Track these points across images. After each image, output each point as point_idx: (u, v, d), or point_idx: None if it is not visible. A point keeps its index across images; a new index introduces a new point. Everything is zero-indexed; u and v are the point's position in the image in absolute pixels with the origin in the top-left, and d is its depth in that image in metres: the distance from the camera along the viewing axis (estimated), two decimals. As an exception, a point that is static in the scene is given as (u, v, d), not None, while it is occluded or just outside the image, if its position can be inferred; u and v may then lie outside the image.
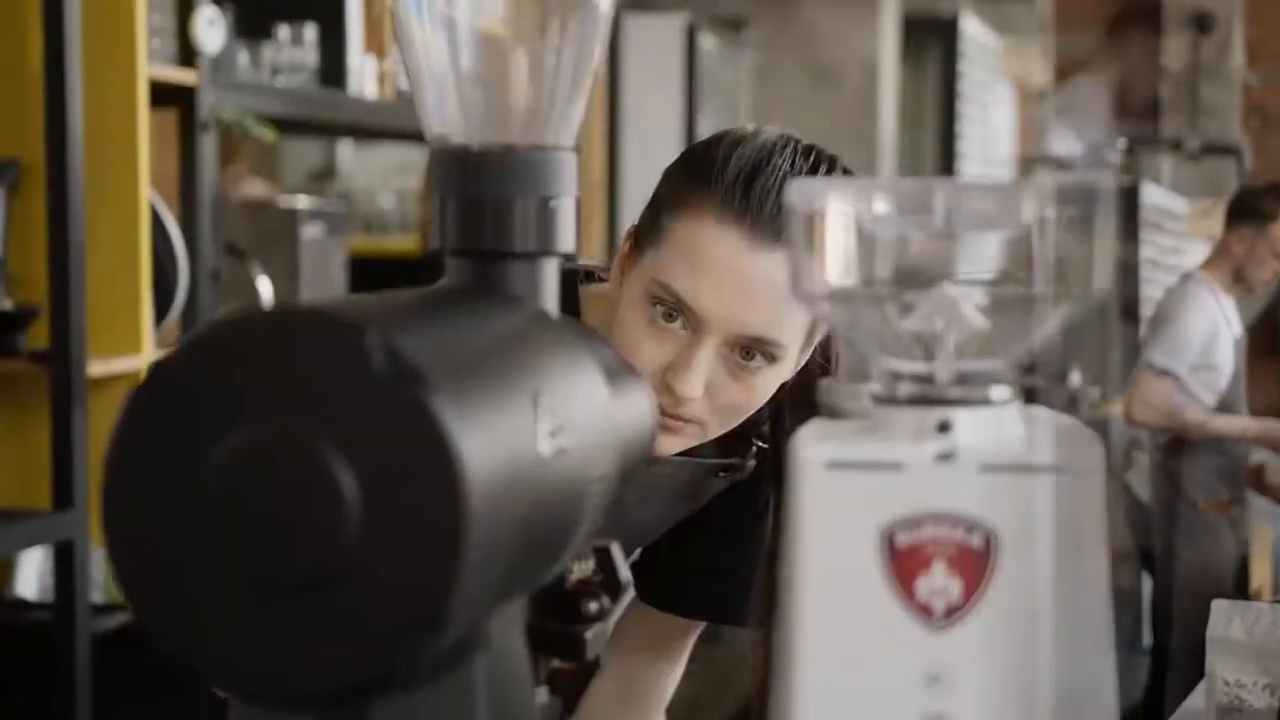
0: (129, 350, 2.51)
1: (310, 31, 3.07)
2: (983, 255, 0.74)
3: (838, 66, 5.47)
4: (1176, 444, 4.35)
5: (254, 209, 3.15)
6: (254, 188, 4.11)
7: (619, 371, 0.87)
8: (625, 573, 0.89)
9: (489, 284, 0.80)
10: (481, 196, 0.80)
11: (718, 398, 1.29)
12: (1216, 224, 8.49)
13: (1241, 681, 1.94)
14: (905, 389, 0.72)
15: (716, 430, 1.32)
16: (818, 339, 1.35)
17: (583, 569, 0.89)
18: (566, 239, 0.82)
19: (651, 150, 4.07)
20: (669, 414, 1.28)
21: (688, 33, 5.66)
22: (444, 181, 0.81)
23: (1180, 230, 7.90)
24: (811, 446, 0.70)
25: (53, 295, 2.38)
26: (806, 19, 5.41)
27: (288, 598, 0.62)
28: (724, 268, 1.24)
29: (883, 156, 5.69)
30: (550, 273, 0.82)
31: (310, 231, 3.10)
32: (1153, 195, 7.25)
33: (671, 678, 1.58)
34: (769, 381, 1.30)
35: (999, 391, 0.72)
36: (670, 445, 1.31)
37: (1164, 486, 4.42)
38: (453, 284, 0.81)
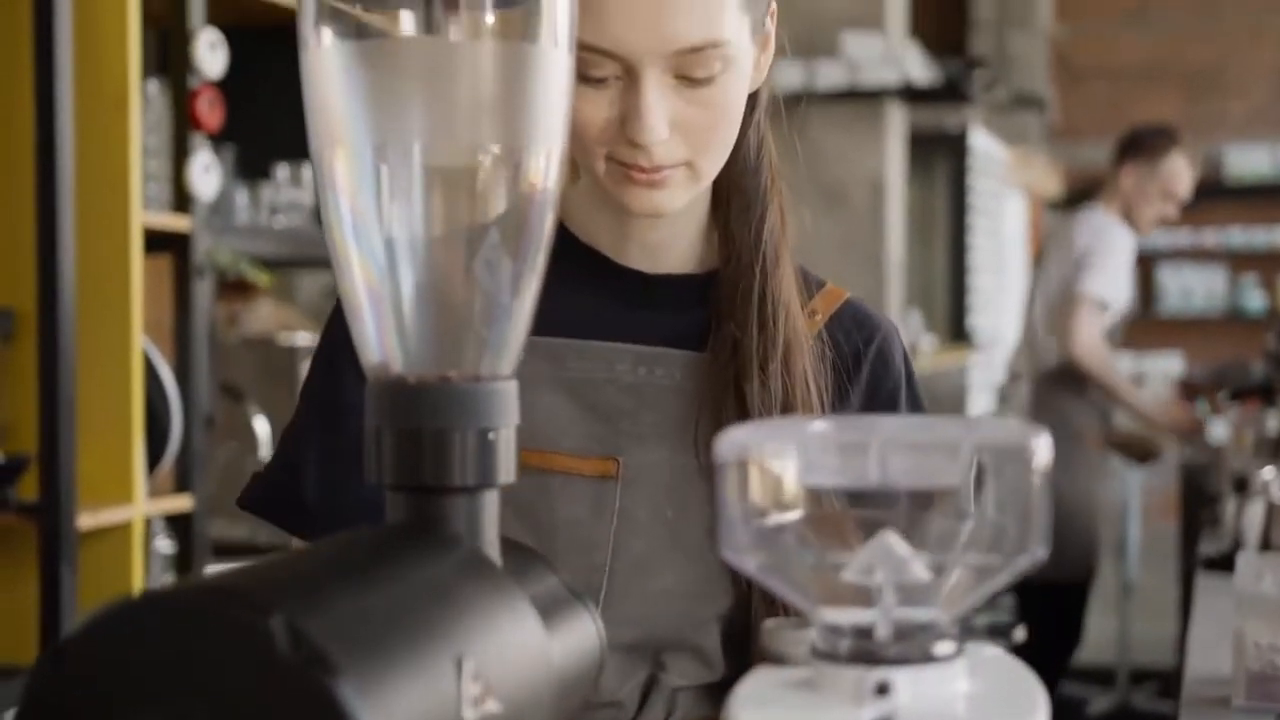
0: (121, 501, 2.49)
1: (309, 171, 3.09)
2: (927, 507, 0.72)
3: (844, 186, 5.48)
4: (1064, 373, 4.25)
5: (255, 346, 3.15)
6: (266, 311, 4.11)
7: (559, 601, 0.85)
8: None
9: (427, 520, 0.79)
10: (419, 430, 0.78)
11: (689, 129, 1.16)
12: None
13: (1276, 644, 1.78)
14: (844, 644, 0.69)
15: (711, 167, 1.19)
16: (770, 11, 1.23)
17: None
18: (507, 470, 0.80)
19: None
20: (648, 170, 1.16)
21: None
22: (380, 414, 0.79)
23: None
24: (745, 710, 0.67)
25: (42, 447, 2.36)
26: (812, 139, 5.43)
27: None
28: None
29: (891, 275, 5.68)
30: (491, 505, 0.80)
31: (310, 368, 3.08)
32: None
33: None
34: (733, 89, 1.17)
35: (943, 647, 0.69)
36: (670, 200, 1.18)
37: (1046, 419, 4.29)
38: (391, 520, 0.79)
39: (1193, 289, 10.01)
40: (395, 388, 0.79)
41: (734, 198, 1.28)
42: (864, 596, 0.71)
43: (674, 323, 1.28)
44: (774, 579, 0.71)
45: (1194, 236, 9.90)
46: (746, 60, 1.18)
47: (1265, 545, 2.87)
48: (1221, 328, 9.95)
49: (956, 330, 7.09)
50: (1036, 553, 0.68)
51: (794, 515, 0.71)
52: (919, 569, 0.70)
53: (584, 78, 1.14)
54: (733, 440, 0.70)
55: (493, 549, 0.79)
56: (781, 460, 0.70)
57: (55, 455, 2.36)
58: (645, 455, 1.23)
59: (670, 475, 1.23)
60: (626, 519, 1.21)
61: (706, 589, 1.23)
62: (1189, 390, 9.64)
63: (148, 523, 2.59)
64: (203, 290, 2.68)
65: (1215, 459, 4.79)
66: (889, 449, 0.69)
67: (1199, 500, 4.55)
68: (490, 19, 0.81)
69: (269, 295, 4.21)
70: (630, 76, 1.14)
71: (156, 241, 2.65)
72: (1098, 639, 6.59)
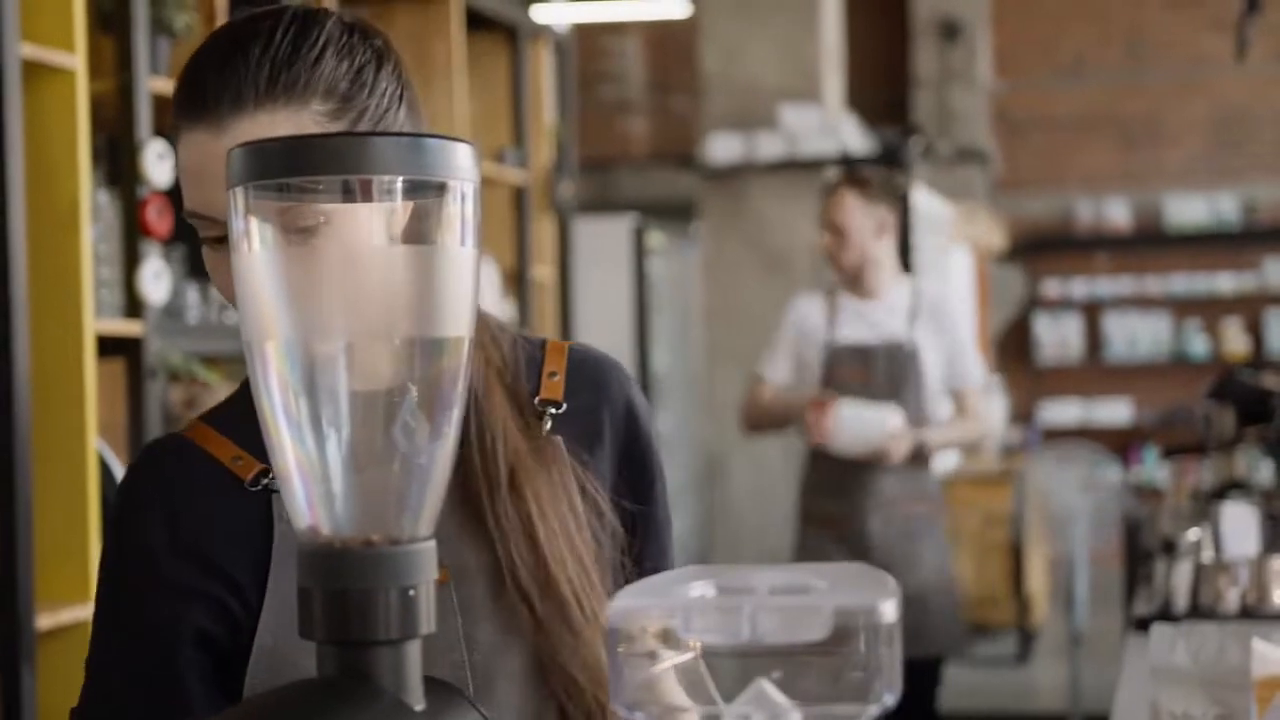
0: (78, 600, 2.56)
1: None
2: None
3: (787, 254, 5.59)
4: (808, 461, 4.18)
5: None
6: (223, 395, 4.17)
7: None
8: None
9: (355, 672, 0.87)
10: (345, 590, 0.87)
11: None
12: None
13: (1190, 713, 1.84)
14: (724, 785, 0.78)
15: None
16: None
17: None
18: (429, 621, 0.89)
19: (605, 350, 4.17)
20: None
21: (636, 233, 5.85)
22: (310, 575, 0.88)
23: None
24: None
25: (0, 550, 2.43)
26: (754, 208, 5.56)
27: None
28: (206, 165, 1.19)
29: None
30: (414, 654, 0.89)
31: (261, 458, 3.16)
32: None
33: None
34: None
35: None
36: None
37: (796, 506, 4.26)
38: (321, 674, 0.88)
39: (1138, 336, 10.19)
40: (323, 551, 0.88)
41: None
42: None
43: None
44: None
45: (1137, 284, 10.09)
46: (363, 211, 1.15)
47: (1194, 606, 2.95)
48: (1167, 373, 10.13)
49: (904, 386, 7.20)
50: (886, 699, 0.77)
51: (675, 668, 0.80)
52: (793, 715, 0.79)
53: (205, 240, 1.22)
54: (619, 608, 0.79)
55: (415, 695, 0.88)
56: (663, 622, 0.79)
57: (13, 558, 2.43)
58: (456, 553, 1.29)
59: (487, 560, 1.30)
60: (467, 612, 1.29)
61: None
62: (1138, 434, 9.82)
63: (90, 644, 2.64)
64: (155, 392, 2.77)
65: (1154, 512, 4.88)
66: (759, 611, 0.78)
67: (1138, 554, 4.65)
68: (402, 222, 0.91)
69: (225, 380, 4.29)
70: None
71: (109, 346, 2.73)
72: (1050, 687, 6.70)
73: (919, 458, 4.07)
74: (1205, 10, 9.66)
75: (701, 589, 0.81)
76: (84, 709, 1.29)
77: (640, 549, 1.35)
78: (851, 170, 4.31)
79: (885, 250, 4.05)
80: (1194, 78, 9.92)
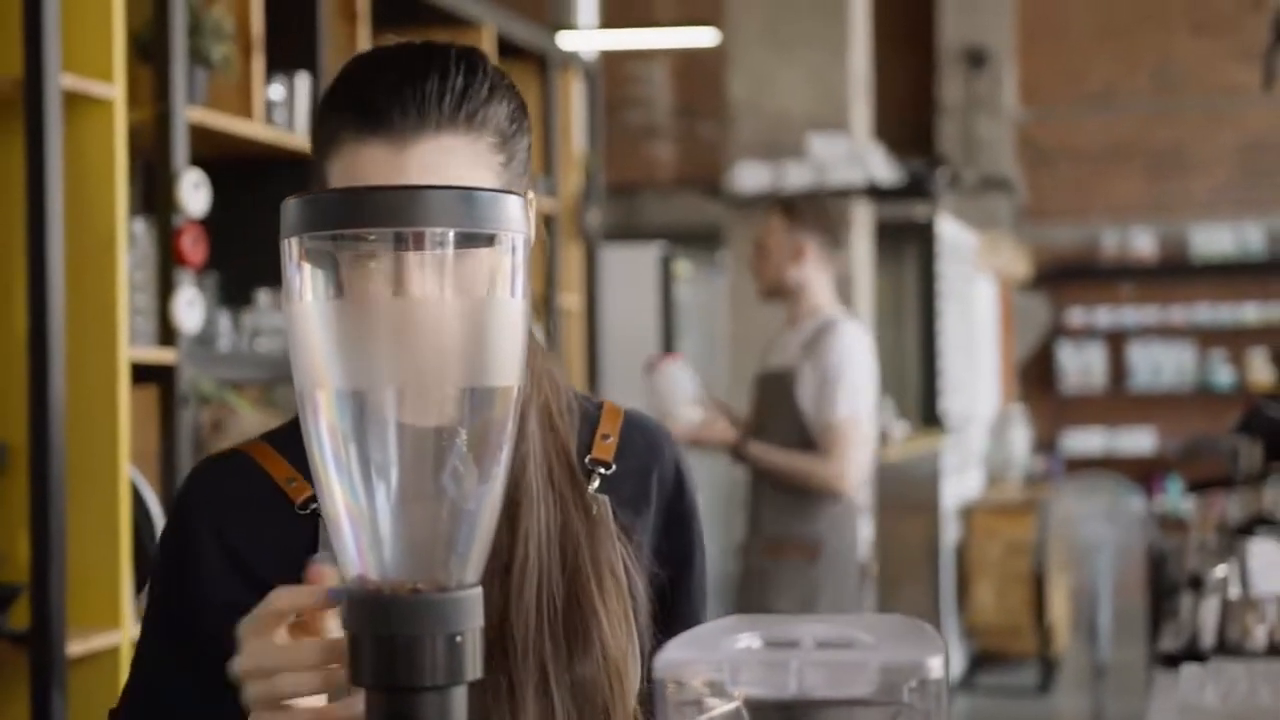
0: (108, 625, 2.57)
1: (289, 294, 3.18)
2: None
3: (812, 281, 5.58)
4: None
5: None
6: (250, 420, 4.18)
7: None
8: None
9: (402, 717, 0.88)
10: (393, 636, 0.88)
11: None
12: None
13: None
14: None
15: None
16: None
17: None
18: (475, 667, 0.90)
19: (632, 379, 4.18)
20: None
21: (663, 261, 5.87)
22: (357, 621, 0.89)
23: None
24: None
25: (34, 576, 2.45)
26: (781, 236, 5.54)
27: None
28: (373, 178, 1.19)
29: (861, 366, 5.78)
30: (460, 701, 0.90)
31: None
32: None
33: None
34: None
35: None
36: None
37: None
38: (369, 719, 0.89)
39: (1162, 365, 10.15)
40: (372, 599, 0.89)
41: None
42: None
43: None
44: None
45: (1162, 314, 10.06)
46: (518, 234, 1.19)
47: (1221, 643, 2.94)
48: (1191, 403, 10.09)
49: (929, 415, 7.21)
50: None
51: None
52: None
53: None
54: (667, 659, 0.80)
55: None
56: (710, 675, 0.80)
57: (46, 584, 2.44)
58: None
59: None
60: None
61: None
62: (1159, 464, 9.80)
63: (135, 646, 2.67)
64: (187, 420, 2.78)
65: (1180, 545, 4.86)
66: (806, 665, 0.79)
67: (1162, 584, 4.63)
68: (451, 273, 0.92)
69: (254, 406, 4.30)
70: None
71: (142, 373, 2.75)
72: (1072, 718, 6.68)
73: (811, 493, 3.95)
74: (1233, 41, 9.65)
75: (747, 641, 0.82)
76: (124, 706, 1.32)
77: (673, 611, 1.34)
78: (788, 197, 4.41)
79: (807, 279, 4.06)
80: (1221, 108, 9.90)
